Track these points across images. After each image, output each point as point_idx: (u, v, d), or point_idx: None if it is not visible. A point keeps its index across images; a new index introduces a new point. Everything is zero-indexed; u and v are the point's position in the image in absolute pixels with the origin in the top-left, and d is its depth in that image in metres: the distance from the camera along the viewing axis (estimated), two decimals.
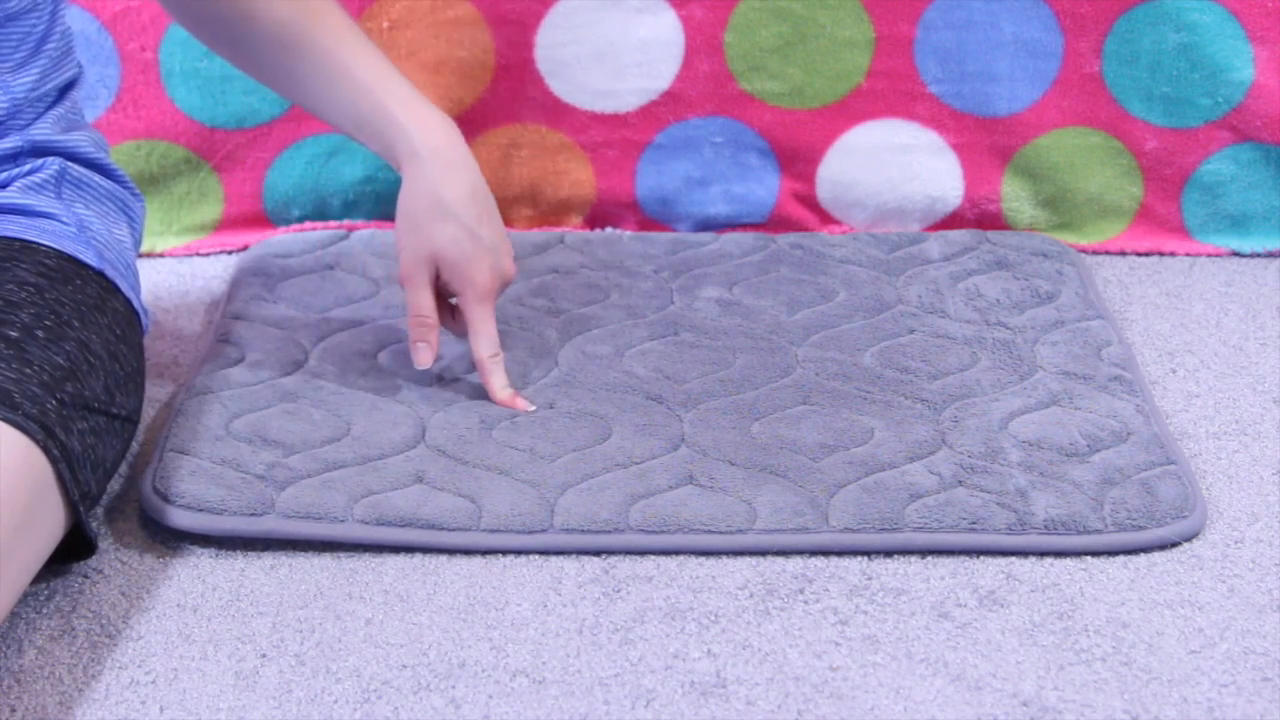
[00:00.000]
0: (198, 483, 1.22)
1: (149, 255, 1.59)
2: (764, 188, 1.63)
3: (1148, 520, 1.21)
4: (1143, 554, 1.20)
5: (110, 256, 1.24)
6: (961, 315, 1.46)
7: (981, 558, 1.20)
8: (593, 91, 1.60)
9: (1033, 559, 1.19)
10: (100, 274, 1.22)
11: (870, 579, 1.17)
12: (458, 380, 1.36)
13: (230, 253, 1.61)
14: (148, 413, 1.34)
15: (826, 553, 1.20)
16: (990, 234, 1.60)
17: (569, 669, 1.09)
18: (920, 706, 1.06)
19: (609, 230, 1.63)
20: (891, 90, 1.60)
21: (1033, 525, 1.20)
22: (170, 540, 1.21)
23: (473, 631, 1.12)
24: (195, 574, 1.18)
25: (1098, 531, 1.20)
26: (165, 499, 1.21)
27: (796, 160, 1.62)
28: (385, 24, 1.58)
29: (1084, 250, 1.62)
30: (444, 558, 1.19)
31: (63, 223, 1.23)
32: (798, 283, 1.51)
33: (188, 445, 1.26)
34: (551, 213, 1.64)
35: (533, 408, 1.32)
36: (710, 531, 1.20)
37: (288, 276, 1.51)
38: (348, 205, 1.63)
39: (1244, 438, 1.33)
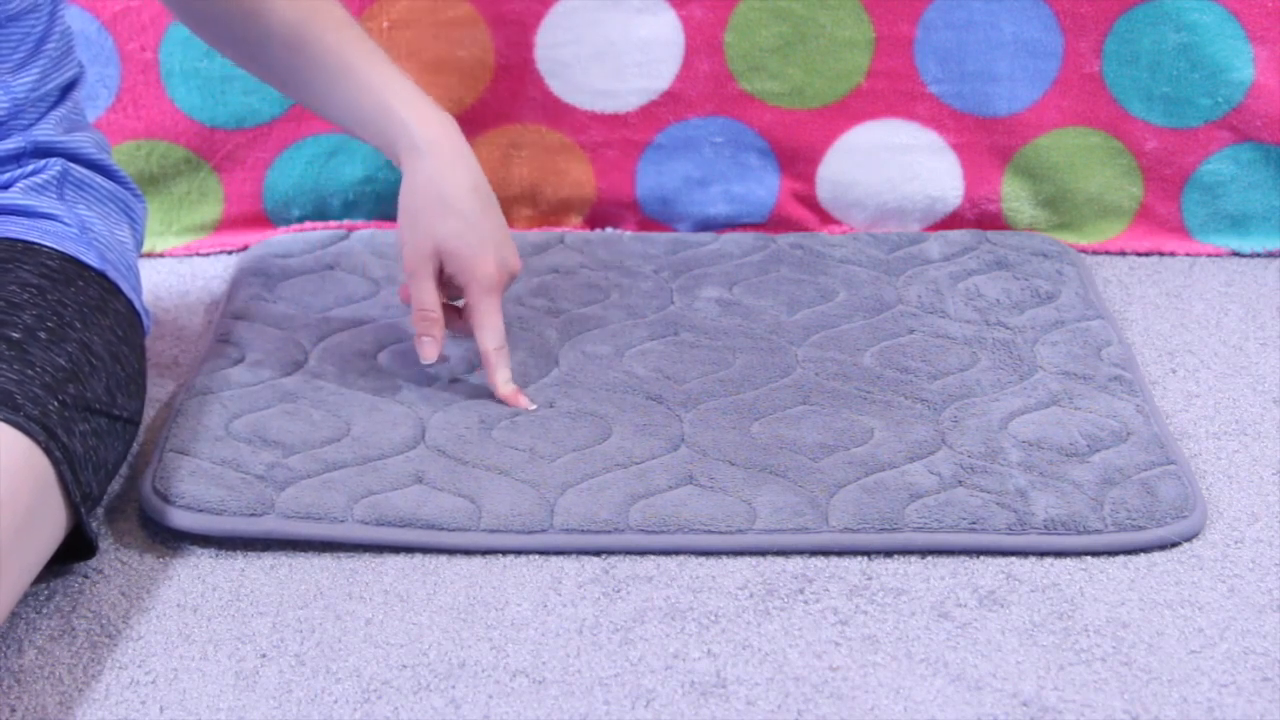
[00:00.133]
0: (198, 483, 1.22)
1: (149, 255, 1.59)
2: (764, 188, 1.63)
3: (1148, 520, 1.21)
4: (1143, 554, 1.20)
5: (112, 258, 1.24)
6: (961, 315, 1.46)
7: (981, 558, 1.20)
8: (593, 91, 1.60)
9: (1033, 559, 1.19)
10: (102, 275, 1.22)
11: (870, 579, 1.17)
12: (458, 380, 1.36)
13: (230, 253, 1.61)
14: (148, 413, 1.34)
15: (826, 553, 1.20)
16: (990, 234, 1.60)
17: (569, 669, 1.09)
18: (920, 706, 1.06)
19: (609, 230, 1.63)
20: (891, 90, 1.60)
21: (1033, 525, 1.20)
22: (170, 540, 1.21)
23: (473, 631, 1.12)
24: (195, 574, 1.18)
25: (1098, 531, 1.20)
26: (165, 499, 1.21)
27: (796, 160, 1.62)
28: (385, 24, 1.58)
29: (1084, 250, 1.62)
30: (444, 558, 1.19)
31: (65, 224, 1.23)
32: (798, 283, 1.51)
33: (188, 445, 1.26)
34: (551, 213, 1.64)
35: (534, 406, 1.32)
36: (710, 531, 1.20)
37: (288, 276, 1.51)
38: (348, 205, 1.63)
39: (1244, 438, 1.33)
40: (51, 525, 1.09)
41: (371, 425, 1.29)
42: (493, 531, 1.20)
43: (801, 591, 1.16)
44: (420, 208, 1.29)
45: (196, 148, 1.60)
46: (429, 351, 1.30)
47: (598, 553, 1.20)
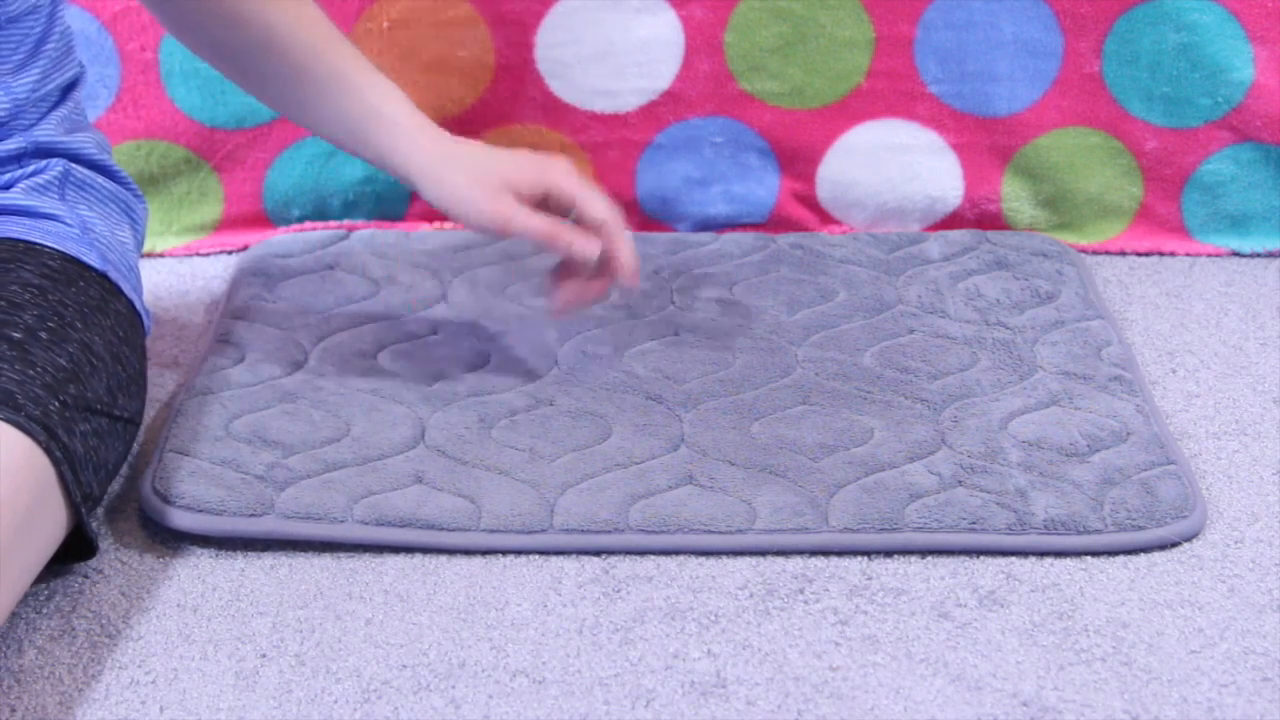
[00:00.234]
0: (197, 483, 1.22)
1: (149, 255, 1.59)
2: (764, 188, 1.63)
3: (1148, 520, 1.21)
4: (1143, 554, 1.20)
5: (113, 258, 1.24)
6: (961, 315, 1.46)
7: (981, 558, 1.20)
8: (593, 91, 1.60)
9: (1033, 559, 1.19)
10: (103, 276, 1.22)
11: (870, 579, 1.17)
12: (457, 380, 1.36)
13: (230, 253, 1.61)
14: (148, 413, 1.34)
15: (826, 553, 1.20)
16: (990, 234, 1.60)
17: (569, 669, 1.09)
18: (920, 706, 1.06)
19: None
20: (891, 90, 1.60)
21: (1033, 525, 1.20)
22: (170, 540, 1.21)
23: (473, 631, 1.12)
24: (195, 574, 1.18)
25: (1098, 531, 1.20)
26: (165, 500, 1.21)
27: (796, 160, 1.62)
28: (385, 24, 1.58)
29: (1084, 250, 1.62)
30: (444, 558, 1.19)
31: (66, 224, 1.23)
32: (798, 283, 1.51)
33: (188, 446, 1.26)
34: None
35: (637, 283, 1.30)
36: (710, 531, 1.20)
37: (288, 276, 1.51)
38: (348, 205, 1.63)
39: (1244, 438, 1.33)
40: (52, 525, 1.09)
41: (371, 425, 1.29)
42: (493, 531, 1.20)
43: (801, 591, 1.16)
44: (462, 168, 1.27)
45: (196, 148, 1.60)
46: (591, 247, 1.27)
47: (598, 553, 1.20)
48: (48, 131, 1.25)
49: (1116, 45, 1.58)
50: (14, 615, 1.13)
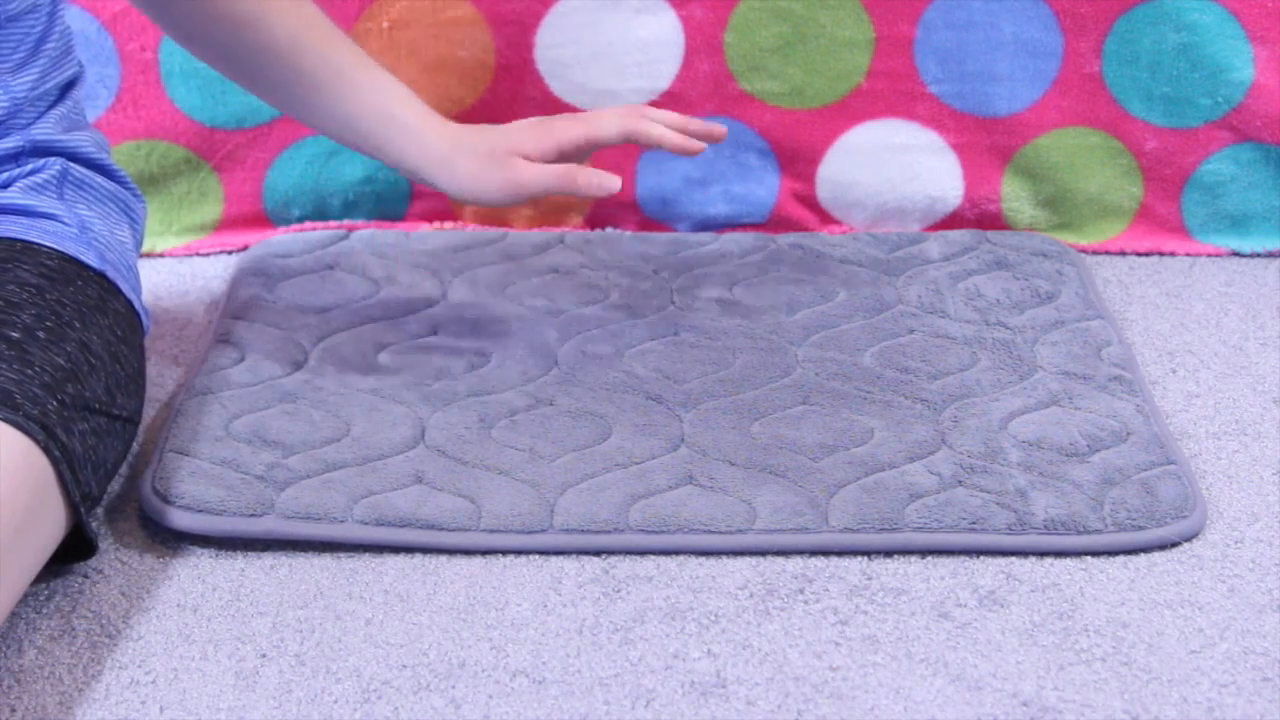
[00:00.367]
0: (197, 483, 1.22)
1: (149, 255, 1.59)
2: (764, 188, 1.63)
3: (1148, 520, 1.21)
4: (1143, 554, 1.20)
5: (112, 258, 1.24)
6: (961, 315, 1.46)
7: (981, 558, 1.20)
8: (593, 91, 1.60)
9: (1033, 559, 1.19)
10: (102, 275, 1.22)
11: (870, 579, 1.17)
12: (457, 380, 1.36)
13: (230, 253, 1.61)
14: (148, 413, 1.34)
15: (826, 553, 1.20)
16: (990, 234, 1.60)
17: (569, 669, 1.09)
18: (920, 706, 1.06)
19: (609, 230, 1.63)
20: (891, 90, 1.60)
21: (1033, 525, 1.20)
22: (170, 540, 1.21)
23: (473, 631, 1.12)
24: (195, 574, 1.18)
25: (1098, 531, 1.20)
26: (165, 500, 1.21)
27: (796, 160, 1.62)
28: (385, 24, 1.58)
29: (1084, 250, 1.62)
30: (444, 558, 1.19)
31: (64, 224, 1.23)
32: (798, 283, 1.51)
33: (187, 446, 1.26)
34: (551, 213, 1.64)
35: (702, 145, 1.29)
36: (710, 531, 1.20)
37: (288, 276, 1.51)
38: (348, 205, 1.63)
39: (1244, 438, 1.33)
40: (51, 525, 1.09)
41: (371, 425, 1.29)
42: (493, 531, 1.20)
43: (801, 591, 1.16)
44: (470, 153, 1.28)
45: (196, 148, 1.60)
46: (610, 182, 1.26)
47: (598, 553, 1.20)
48: (46, 130, 1.25)
49: (1116, 45, 1.58)
50: (14, 615, 1.13)
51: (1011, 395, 1.34)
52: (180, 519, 1.20)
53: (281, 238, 1.58)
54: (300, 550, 1.20)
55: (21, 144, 1.24)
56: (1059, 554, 1.19)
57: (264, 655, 1.10)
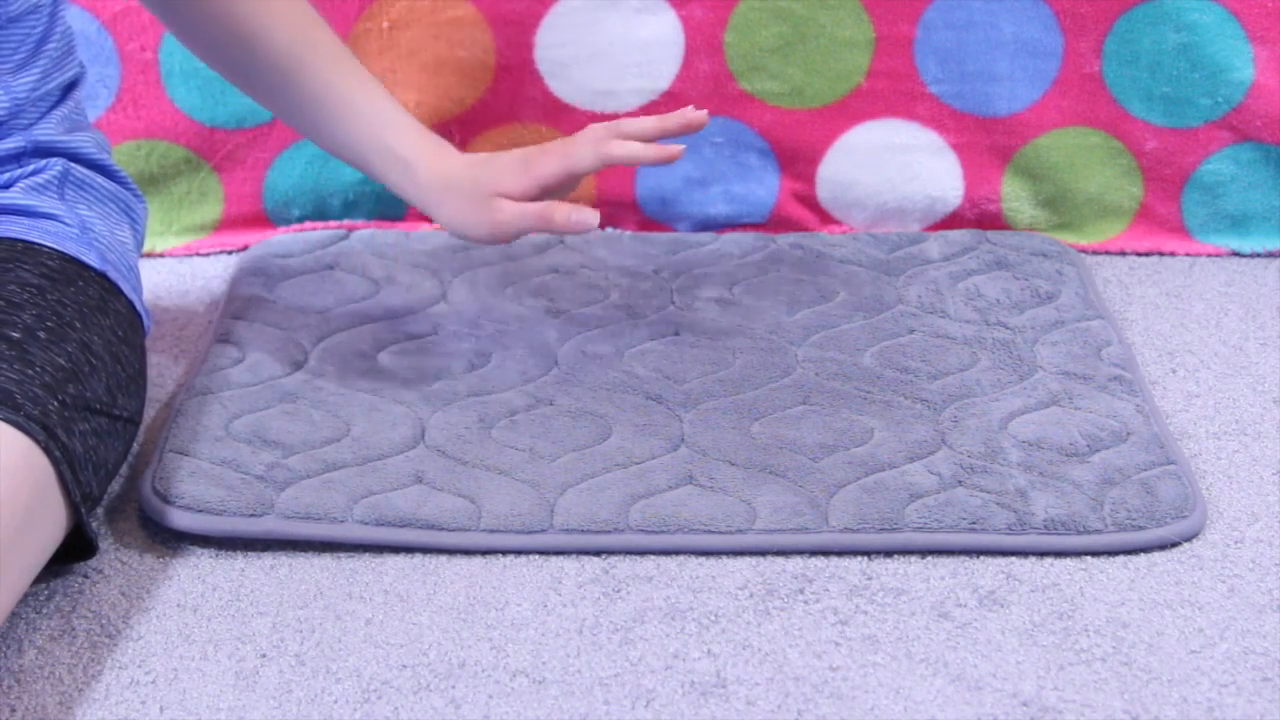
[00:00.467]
0: (197, 483, 1.22)
1: (149, 255, 1.59)
2: (764, 188, 1.63)
3: (1148, 520, 1.21)
4: (1143, 554, 1.20)
5: (112, 258, 1.25)
6: (961, 315, 1.46)
7: (981, 558, 1.20)
8: (593, 91, 1.60)
9: (1033, 559, 1.19)
10: (102, 275, 1.22)
11: (870, 579, 1.17)
12: (457, 380, 1.36)
13: (230, 253, 1.61)
14: (148, 413, 1.34)
15: (826, 553, 1.20)
16: (990, 234, 1.60)
17: (569, 669, 1.09)
18: (920, 706, 1.06)
19: (609, 230, 1.63)
20: (891, 90, 1.60)
21: (1033, 525, 1.20)
22: (170, 540, 1.21)
23: (473, 631, 1.12)
24: (195, 574, 1.18)
25: (1098, 531, 1.20)
26: (165, 500, 1.21)
27: (796, 160, 1.62)
28: (385, 24, 1.58)
29: (1084, 250, 1.62)
30: (444, 558, 1.19)
31: (65, 224, 1.23)
32: (798, 283, 1.51)
33: (187, 446, 1.26)
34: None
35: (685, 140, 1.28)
36: (710, 531, 1.20)
37: (288, 276, 1.51)
38: (348, 205, 1.63)
39: (1244, 438, 1.33)
40: (51, 525, 1.09)
41: (371, 425, 1.29)
42: (493, 531, 1.20)
43: (801, 591, 1.16)
44: (456, 192, 1.28)
45: (196, 148, 1.60)
46: (588, 218, 1.26)
47: (598, 553, 1.20)
48: (47, 131, 1.25)
49: (1116, 45, 1.58)
50: (14, 615, 1.13)
51: (1011, 395, 1.34)
52: (180, 519, 1.20)
53: (281, 238, 1.58)
54: (300, 550, 1.20)
55: (23, 144, 1.24)
56: (1059, 554, 1.19)
57: (264, 655, 1.10)
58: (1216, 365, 1.43)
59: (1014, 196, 1.62)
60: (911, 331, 1.44)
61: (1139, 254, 1.62)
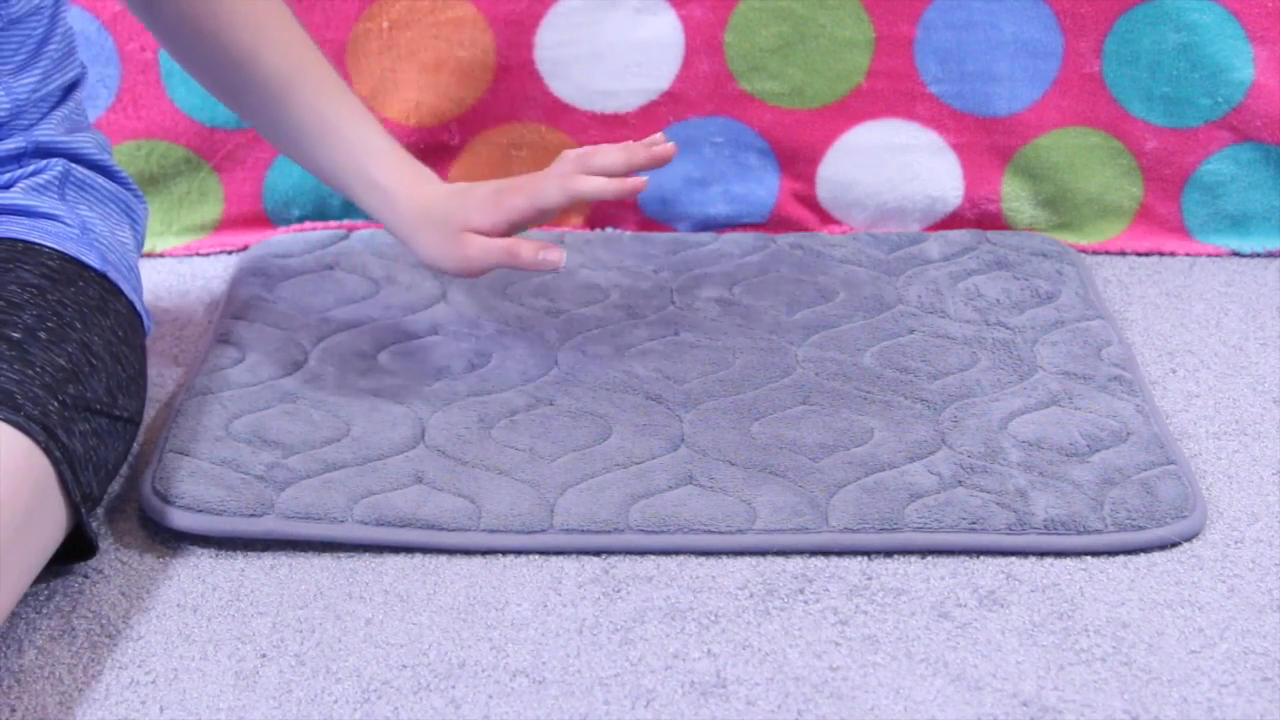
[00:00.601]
0: (197, 483, 1.22)
1: (149, 255, 1.60)
2: (764, 188, 1.63)
3: (1148, 520, 1.21)
4: (1143, 554, 1.20)
5: (113, 258, 1.25)
6: (961, 315, 1.46)
7: (981, 558, 1.20)
8: (593, 91, 1.60)
9: (1033, 559, 1.19)
10: (103, 276, 1.22)
11: (870, 579, 1.17)
12: (457, 380, 1.36)
13: (230, 253, 1.61)
14: (148, 413, 1.34)
15: (826, 553, 1.20)
16: (990, 234, 1.60)
17: (569, 669, 1.09)
18: (920, 706, 1.06)
19: (609, 230, 1.63)
20: (891, 90, 1.60)
21: (1033, 525, 1.20)
22: (170, 540, 1.21)
23: (473, 631, 1.12)
24: (195, 574, 1.18)
25: (1098, 531, 1.20)
26: (165, 500, 1.21)
27: (796, 160, 1.62)
28: (385, 24, 1.58)
29: (1084, 250, 1.62)
30: (444, 558, 1.19)
31: (66, 224, 1.23)
32: (798, 283, 1.51)
33: (187, 446, 1.26)
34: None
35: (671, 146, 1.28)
36: (710, 531, 1.20)
37: (288, 276, 1.51)
38: (348, 205, 1.63)
39: (1244, 438, 1.33)
40: (51, 525, 1.09)
41: (371, 425, 1.29)
42: (493, 531, 1.20)
43: (801, 591, 1.16)
44: (428, 225, 1.29)
45: (196, 148, 1.60)
46: (554, 256, 1.27)
47: (598, 553, 1.20)
48: (48, 131, 1.25)
49: (1116, 45, 1.58)
50: (14, 615, 1.13)
51: (1011, 395, 1.34)
52: (180, 519, 1.20)
53: (281, 238, 1.58)
54: (300, 550, 1.20)
55: (23, 145, 1.24)
56: (1059, 554, 1.19)
57: (264, 655, 1.10)
58: (1216, 365, 1.43)
59: (1014, 196, 1.62)
60: (911, 331, 1.44)
61: (1139, 254, 1.62)
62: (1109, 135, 1.60)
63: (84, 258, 1.22)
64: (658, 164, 1.28)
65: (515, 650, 1.11)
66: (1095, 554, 1.20)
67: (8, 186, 1.23)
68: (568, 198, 1.27)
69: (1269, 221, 1.61)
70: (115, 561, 1.19)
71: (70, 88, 1.28)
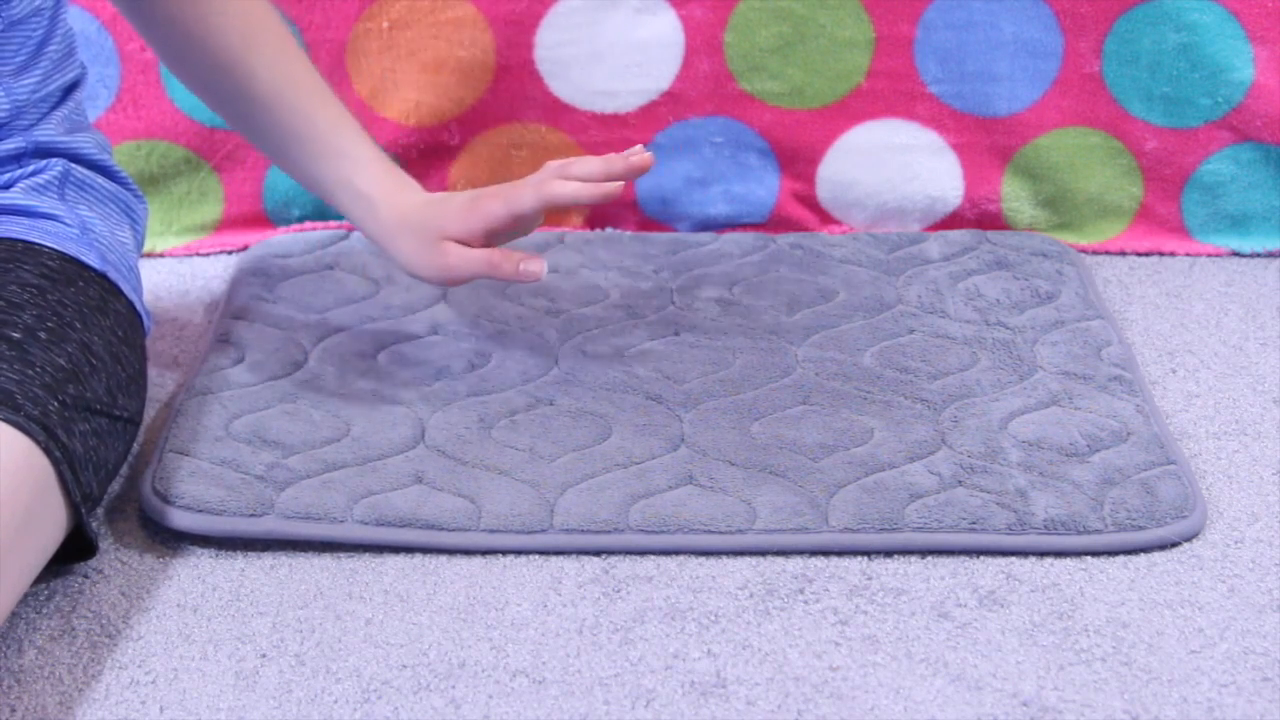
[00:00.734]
0: (197, 483, 1.22)
1: (149, 255, 1.60)
2: (764, 188, 1.63)
3: (1148, 520, 1.21)
4: (1143, 554, 1.20)
5: (113, 258, 1.25)
6: (961, 315, 1.46)
7: (981, 558, 1.20)
8: (593, 91, 1.60)
9: (1033, 559, 1.19)
10: (103, 276, 1.23)
11: (870, 579, 1.17)
12: (457, 380, 1.36)
13: (230, 253, 1.61)
14: (148, 413, 1.34)
15: (826, 553, 1.20)
16: (990, 234, 1.60)
17: (569, 669, 1.09)
18: (920, 706, 1.06)
19: (609, 230, 1.63)
20: (891, 90, 1.60)
21: (1033, 525, 1.20)
22: (170, 540, 1.21)
23: (473, 631, 1.12)
24: (195, 574, 1.18)
25: (1098, 531, 1.20)
26: (165, 500, 1.21)
27: (796, 160, 1.62)
28: (385, 24, 1.58)
29: (1084, 250, 1.62)
30: (444, 558, 1.20)
31: (66, 224, 1.23)
32: (798, 283, 1.51)
33: (187, 446, 1.26)
34: (551, 212, 1.63)
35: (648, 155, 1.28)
36: (710, 531, 1.20)
37: (288, 276, 1.51)
38: None
39: (1244, 438, 1.33)
40: (51, 525, 1.09)
41: (371, 425, 1.29)
42: (493, 531, 1.20)
43: (801, 591, 1.16)
44: (409, 234, 1.30)
45: (196, 148, 1.60)
46: (534, 266, 1.27)
47: (598, 553, 1.20)
48: (48, 132, 1.25)
49: (1116, 45, 1.58)
50: (14, 615, 1.13)
51: (1011, 395, 1.34)
52: (180, 519, 1.20)
53: (281, 238, 1.58)
54: (300, 550, 1.20)
55: (24, 145, 1.24)
56: (1059, 554, 1.19)
57: (264, 655, 1.10)
58: (1216, 365, 1.43)
59: (1014, 196, 1.62)
60: (911, 331, 1.44)
61: (1139, 254, 1.62)
62: (1109, 135, 1.60)
63: (84, 258, 1.22)
64: (635, 174, 1.28)
65: (515, 650, 1.11)
66: (1095, 554, 1.20)
67: (8, 186, 1.23)
68: (543, 203, 1.27)
69: (1269, 221, 1.61)
70: (115, 561, 1.19)
71: (70, 88, 1.28)
